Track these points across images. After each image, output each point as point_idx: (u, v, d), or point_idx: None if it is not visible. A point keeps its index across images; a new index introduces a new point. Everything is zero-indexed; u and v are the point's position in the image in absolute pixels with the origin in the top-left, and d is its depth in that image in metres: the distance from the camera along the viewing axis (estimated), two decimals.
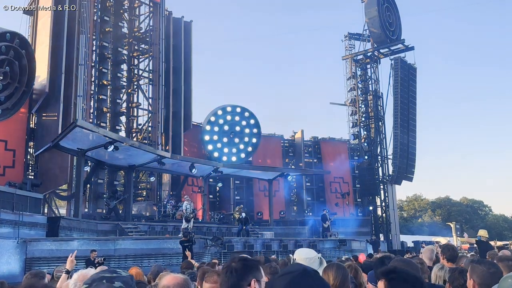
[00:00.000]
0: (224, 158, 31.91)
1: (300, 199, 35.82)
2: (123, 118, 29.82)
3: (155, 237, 20.21)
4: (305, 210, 35.02)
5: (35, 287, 4.36)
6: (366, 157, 36.23)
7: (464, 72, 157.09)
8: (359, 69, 37.85)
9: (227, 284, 2.26)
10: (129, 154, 22.50)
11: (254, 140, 33.72)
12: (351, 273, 4.12)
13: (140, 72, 31.27)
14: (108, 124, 28.00)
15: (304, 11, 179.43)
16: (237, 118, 33.51)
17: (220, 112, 33.26)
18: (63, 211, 25.55)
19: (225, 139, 32.87)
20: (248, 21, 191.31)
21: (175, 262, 16.15)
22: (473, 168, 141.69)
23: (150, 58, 30.44)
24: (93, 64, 27.05)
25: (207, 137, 32.36)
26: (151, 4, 30.96)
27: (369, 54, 37.44)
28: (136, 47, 31.09)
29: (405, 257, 8.44)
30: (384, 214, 35.66)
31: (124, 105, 30.12)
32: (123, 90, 29.91)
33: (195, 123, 32.62)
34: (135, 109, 30.60)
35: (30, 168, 23.46)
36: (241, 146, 33.36)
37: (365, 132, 37.13)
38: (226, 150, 32.78)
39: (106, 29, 28.19)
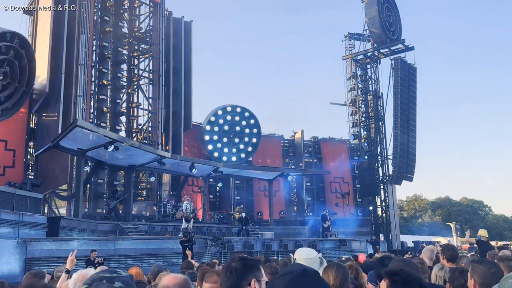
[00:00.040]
0: (224, 158, 31.94)
1: (300, 199, 35.82)
2: (123, 118, 29.82)
3: (155, 237, 20.21)
4: (305, 210, 35.02)
5: (35, 287, 4.35)
6: (366, 157, 36.22)
7: (464, 72, 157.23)
8: (359, 69, 37.84)
9: (227, 283, 2.26)
10: (129, 154, 22.49)
11: (254, 140, 33.73)
12: (352, 273, 4.12)
13: (140, 72, 31.27)
14: (108, 124, 28.00)
15: (304, 11, 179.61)
16: (237, 118, 33.52)
17: (220, 112, 33.28)
18: (63, 211, 25.56)
19: (225, 139, 32.89)
20: (248, 21, 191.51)
21: (175, 262, 16.14)
22: (473, 168, 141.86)
23: (150, 58, 30.44)
24: (93, 64, 27.04)
25: (207, 137, 32.37)
26: (151, 4, 30.96)
27: (369, 54, 37.44)
28: (136, 47, 31.08)
29: (405, 257, 8.44)
30: (384, 214, 35.65)
31: (124, 105, 30.12)
32: (123, 90, 29.90)
33: (195, 123, 32.64)
34: (135, 109, 30.60)
35: (30, 168, 23.46)
36: (241, 146, 33.38)
37: (365, 132, 37.12)
38: (226, 150, 32.80)
39: (106, 29, 28.18)
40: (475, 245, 14.57)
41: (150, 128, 29.51)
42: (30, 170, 23.33)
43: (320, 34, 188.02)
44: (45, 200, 22.89)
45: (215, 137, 32.60)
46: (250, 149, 33.69)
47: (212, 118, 32.88)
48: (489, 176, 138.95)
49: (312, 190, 36.01)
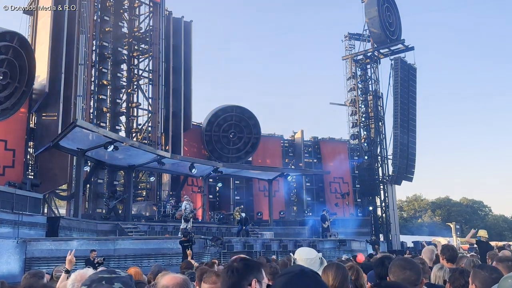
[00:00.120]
0: (224, 158, 31.92)
1: (300, 199, 35.82)
2: (123, 118, 29.82)
3: (155, 237, 20.21)
4: (305, 210, 35.03)
5: (34, 287, 4.35)
6: (366, 157, 36.22)
7: (464, 72, 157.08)
8: (359, 69, 37.84)
9: (227, 283, 2.25)
10: (129, 154, 22.49)
11: (254, 140, 33.73)
12: (352, 274, 4.10)
13: (140, 72, 31.27)
14: (108, 124, 28.00)
15: (304, 11, 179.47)
16: (237, 118, 33.51)
17: (220, 112, 33.27)
18: (62, 211, 25.57)
19: (225, 139, 32.89)
20: (248, 21, 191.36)
21: (175, 262, 16.14)
22: (473, 168, 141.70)
23: (150, 58, 30.44)
24: (93, 64, 27.05)
25: (207, 137, 32.36)
26: (151, 4, 30.97)
27: (369, 54, 37.43)
28: (136, 47, 31.08)
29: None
30: (384, 214, 35.65)
31: (124, 105, 30.11)
32: (123, 90, 29.91)
33: (195, 123, 32.65)
34: (135, 109, 30.59)
35: (30, 168, 23.45)
36: (241, 146, 33.37)
37: (365, 132, 37.12)
38: (226, 150, 32.79)
39: (106, 29, 28.18)
40: (475, 246, 14.55)
41: (150, 128, 29.51)
42: (29, 170, 23.32)
43: (320, 34, 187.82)
44: (45, 200, 22.90)
45: (215, 137, 32.60)
46: (250, 149, 33.69)
47: (212, 118, 32.88)
48: (489, 176, 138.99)
49: (312, 190, 36.02)
